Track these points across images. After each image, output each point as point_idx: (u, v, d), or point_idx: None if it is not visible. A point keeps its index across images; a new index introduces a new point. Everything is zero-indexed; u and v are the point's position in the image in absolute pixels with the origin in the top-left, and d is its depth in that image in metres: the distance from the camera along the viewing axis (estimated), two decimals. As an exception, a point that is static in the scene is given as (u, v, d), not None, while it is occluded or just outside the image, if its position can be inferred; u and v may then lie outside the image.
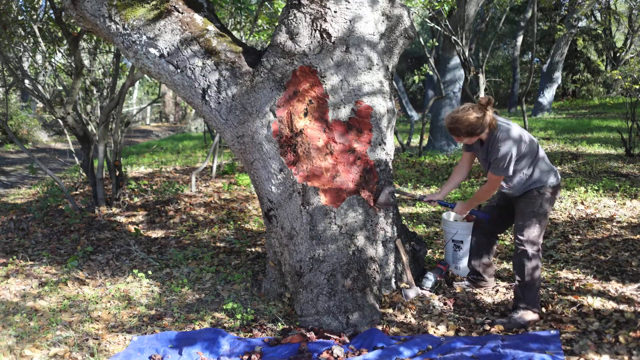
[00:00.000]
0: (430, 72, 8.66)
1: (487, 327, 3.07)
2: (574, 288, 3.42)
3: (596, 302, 3.17)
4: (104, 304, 3.69)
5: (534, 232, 3.09)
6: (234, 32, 7.09)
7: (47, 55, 7.03)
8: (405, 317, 3.28)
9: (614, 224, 4.57)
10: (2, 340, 3.16)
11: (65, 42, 6.58)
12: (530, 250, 3.07)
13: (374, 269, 3.39)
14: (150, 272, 4.25)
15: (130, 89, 12.02)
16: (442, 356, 2.72)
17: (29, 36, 6.80)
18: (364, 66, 3.26)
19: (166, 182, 7.34)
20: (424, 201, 3.50)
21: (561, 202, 5.31)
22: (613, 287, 3.38)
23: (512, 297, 3.27)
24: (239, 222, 5.54)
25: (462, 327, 3.12)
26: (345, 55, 3.20)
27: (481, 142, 3.14)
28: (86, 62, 7.57)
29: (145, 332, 3.27)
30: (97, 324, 3.37)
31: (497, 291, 3.53)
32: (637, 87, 7.07)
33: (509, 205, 3.29)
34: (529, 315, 3.06)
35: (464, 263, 3.80)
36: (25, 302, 3.72)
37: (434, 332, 3.09)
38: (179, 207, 6.06)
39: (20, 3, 6.77)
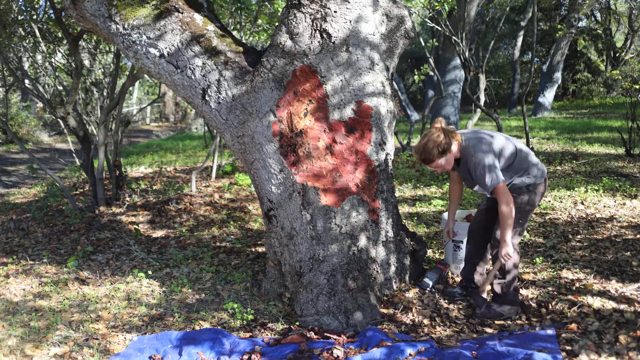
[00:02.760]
0: (431, 72, 8.66)
1: (487, 328, 3.07)
2: (574, 288, 3.42)
3: (596, 302, 3.17)
4: (104, 303, 3.69)
5: (517, 230, 3.16)
6: (234, 32, 7.09)
7: (47, 55, 7.03)
8: (406, 317, 3.28)
9: (614, 224, 4.57)
10: (3, 340, 3.16)
11: (65, 42, 6.58)
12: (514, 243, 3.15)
13: (375, 269, 3.39)
14: (150, 272, 4.25)
15: (130, 89, 12.03)
16: (442, 355, 2.73)
17: (29, 36, 6.80)
18: (364, 66, 3.26)
19: (166, 182, 7.34)
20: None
21: (561, 202, 5.31)
22: (613, 287, 3.38)
23: (491, 290, 3.32)
24: (239, 222, 5.54)
25: (462, 327, 3.12)
26: (345, 55, 3.20)
27: (457, 163, 3.15)
28: (86, 62, 7.57)
29: (145, 332, 3.27)
30: (97, 324, 3.37)
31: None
32: (637, 87, 7.07)
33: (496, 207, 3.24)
34: (507, 308, 3.18)
35: (464, 263, 3.80)
36: (25, 302, 3.72)
37: (435, 332, 3.09)
38: (179, 207, 6.06)
39: (20, 3, 6.77)
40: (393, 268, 3.60)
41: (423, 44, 8.68)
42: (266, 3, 7.19)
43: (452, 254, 3.86)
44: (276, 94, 3.22)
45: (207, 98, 3.34)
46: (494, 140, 3.06)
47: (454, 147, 3.06)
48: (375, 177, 3.39)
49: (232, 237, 5.08)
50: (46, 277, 4.18)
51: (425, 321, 3.23)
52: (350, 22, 3.18)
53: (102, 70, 7.58)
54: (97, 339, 3.18)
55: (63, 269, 4.35)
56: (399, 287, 3.63)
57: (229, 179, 7.54)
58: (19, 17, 6.59)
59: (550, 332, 2.84)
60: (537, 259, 3.93)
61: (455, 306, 3.39)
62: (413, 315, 3.29)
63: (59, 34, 6.83)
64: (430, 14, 8.03)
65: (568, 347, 2.69)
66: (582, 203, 5.22)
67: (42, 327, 3.34)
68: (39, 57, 8.35)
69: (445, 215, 4.00)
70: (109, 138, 6.58)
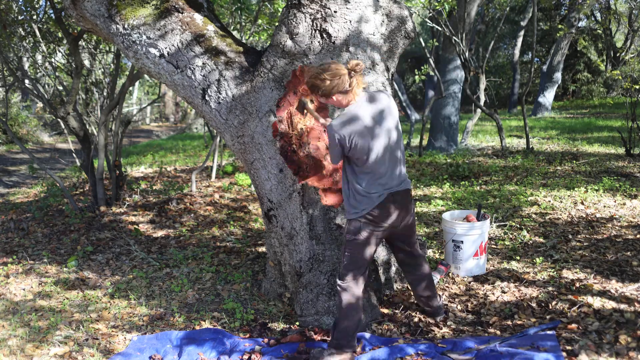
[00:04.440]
0: (431, 72, 8.66)
1: (488, 328, 3.07)
2: (574, 288, 3.42)
3: (596, 302, 3.17)
4: (104, 303, 3.69)
5: (342, 261, 2.83)
6: (234, 32, 7.09)
7: (47, 55, 7.03)
8: (407, 316, 3.28)
9: (614, 223, 4.57)
10: (3, 340, 3.16)
11: (65, 42, 6.58)
12: (338, 281, 2.83)
13: (375, 269, 3.39)
14: (150, 272, 4.25)
15: (130, 89, 12.03)
16: (443, 355, 2.73)
17: (29, 36, 6.80)
18: (365, 67, 3.26)
19: (167, 182, 7.34)
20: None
21: (561, 202, 5.31)
22: (613, 287, 3.38)
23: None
24: (239, 222, 5.54)
25: (463, 327, 3.12)
26: (346, 55, 3.20)
27: None
28: (86, 62, 7.57)
29: (146, 332, 3.27)
30: (97, 324, 3.38)
31: (502, 292, 3.53)
32: (637, 87, 7.08)
33: None
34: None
35: (464, 263, 3.80)
36: (25, 302, 3.72)
37: (435, 332, 3.10)
38: (179, 207, 6.06)
39: (20, 3, 6.77)
40: (394, 268, 3.61)
41: (423, 44, 8.69)
42: (266, 3, 7.19)
43: (452, 254, 3.86)
44: (276, 94, 3.22)
45: (207, 98, 3.34)
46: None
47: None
48: (375, 177, 3.39)
49: (232, 237, 5.08)
50: (46, 277, 4.18)
51: (427, 320, 3.23)
52: (351, 22, 3.18)
53: (102, 70, 7.58)
54: (97, 338, 3.18)
55: (63, 269, 4.35)
56: (399, 287, 3.63)
57: (229, 179, 7.54)
58: (19, 17, 6.59)
59: (550, 332, 2.85)
60: (537, 259, 3.93)
61: (456, 306, 3.39)
62: (413, 316, 3.29)
63: (59, 34, 6.83)
64: (430, 14, 8.03)
65: (568, 347, 2.69)
66: (582, 203, 5.22)
67: (42, 327, 3.34)
68: (39, 57, 8.35)
69: (446, 215, 4.01)
70: (109, 138, 6.58)
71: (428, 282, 3.15)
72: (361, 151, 2.64)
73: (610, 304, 3.13)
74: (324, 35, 3.16)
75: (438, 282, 3.65)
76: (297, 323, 3.28)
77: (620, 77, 8.38)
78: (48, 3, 6.00)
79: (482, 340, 2.86)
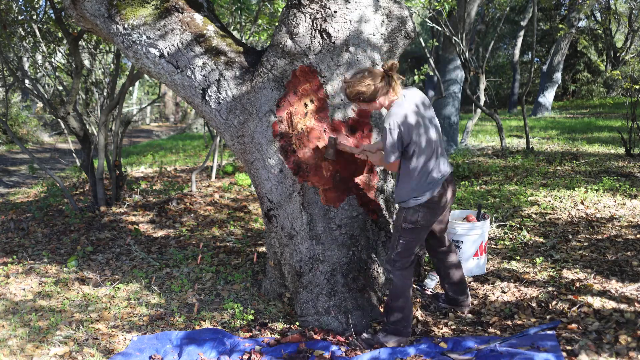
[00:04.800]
0: (431, 72, 8.65)
1: (488, 328, 3.07)
2: (574, 288, 3.42)
3: (596, 302, 3.17)
4: (103, 303, 3.69)
5: (395, 248, 2.94)
6: (234, 32, 7.09)
7: (47, 55, 7.03)
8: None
9: (614, 223, 4.57)
10: (3, 340, 3.16)
11: (65, 42, 6.58)
12: (390, 268, 2.97)
13: (375, 269, 3.39)
14: (150, 272, 4.25)
15: (130, 89, 12.03)
16: (444, 355, 2.73)
17: (29, 36, 6.80)
18: (365, 66, 3.26)
19: (167, 182, 7.34)
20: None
21: (561, 202, 5.31)
22: (613, 287, 3.38)
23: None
24: (239, 222, 5.54)
25: (463, 327, 3.12)
26: (346, 55, 3.20)
27: None
28: (86, 62, 7.57)
29: (146, 332, 3.27)
30: (97, 324, 3.38)
31: (502, 292, 3.53)
32: (637, 87, 7.07)
33: None
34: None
35: (464, 263, 3.80)
36: (25, 302, 3.72)
37: (436, 332, 3.10)
38: (179, 207, 6.06)
39: (20, 3, 6.77)
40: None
41: (423, 44, 8.68)
42: (266, 3, 7.19)
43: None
44: (276, 94, 3.22)
45: (207, 98, 3.34)
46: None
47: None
48: (376, 177, 3.39)
49: (232, 237, 5.08)
50: (46, 277, 4.18)
51: (426, 321, 3.23)
52: (351, 22, 3.18)
53: (102, 70, 7.58)
54: (97, 338, 3.18)
55: (63, 269, 4.35)
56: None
57: (229, 179, 7.54)
58: (19, 17, 6.59)
59: (550, 332, 2.85)
60: (537, 259, 3.93)
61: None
62: (414, 315, 3.29)
63: (59, 34, 6.82)
64: (430, 14, 8.03)
65: (568, 347, 2.69)
66: (582, 203, 5.22)
67: (42, 327, 3.34)
68: (39, 57, 8.35)
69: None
70: (109, 138, 6.58)
71: (459, 269, 3.26)
72: (419, 142, 2.76)
73: (610, 304, 3.13)
74: (324, 35, 3.16)
75: (437, 283, 3.65)
76: (297, 323, 3.28)
77: (620, 77, 8.38)
78: (48, 3, 6.00)
79: (482, 340, 2.86)
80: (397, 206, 3.39)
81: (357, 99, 2.77)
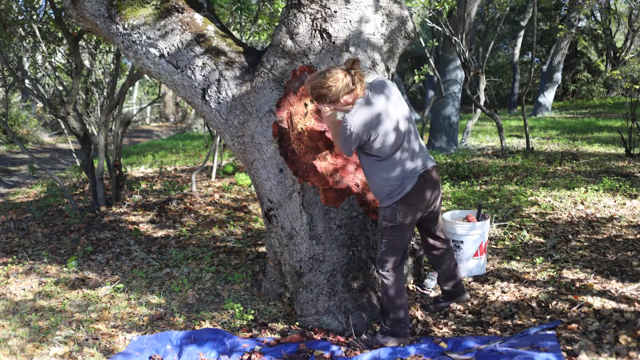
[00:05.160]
0: (431, 72, 8.65)
1: (488, 328, 3.07)
2: (574, 288, 3.42)
3: (596, 302, 3.17)
4: (104, 303, 3.69)
5: (379, 248, 2.90)
6: (234, 32, 7.09)
7: (47, 55, 7.03)
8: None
9: (614, 223, 4.57)
10: (3, 340, 3.16)
11: (65, 42, 6.58)
12: (379, 270, 2.93)
13: (375, 269, 3.39)
14: (150, 272, 4.25)
15: (130, 89, 12.03)
16: (444, 355, 2.73)
17: (29, 36, 6.80)
18: (365, 67, 3.26)
19: (167, 182, 7.34)
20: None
21: (561, 202, 5.31)
22: (613, 287, 3.38)
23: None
24: (239, 222, 5.54)
25: (463, 327, 3.12)
26: (346, 55, 3.20)
27: None
28: (86, 62, 7.57)
29: (146, 332, 3.27)
30: (98, 324, 3.38)
31: (502, 292, 3.53)
32: (637, 87, 7.07)
33: None
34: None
35: (464, 263, 3.80)
36: (25, 302, 3.72)
37: (436, 332, 3.10)
38: (179, 207, 6.06)
39: (20, 3, 6.77)
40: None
41: (423, 44, 8.68)
42: (266, 3, 7.19)
43: (452, 254, 3.86)
44: (276, 94, 3.22)
45: (207, 98, 3.34)
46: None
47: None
48: (376, 177, 3.39)
49: (232, 237, 5.08)
50: (46, 277, 4.18)
51: (426, 321, 3.23)
52: (351, 22, 3.18)
53: (102, 70, 7.58)
54: (97, 338, 3.18)
55: (63, 269, 4.35)
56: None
57: (229, 178, 7.54)
58: (19, 17, 6.59)
59: (550, 332, 2.85)
60: (537, 259, 3.93)
61: (456, 306, 3.39)
62: (414, 316, 3.29)
63: (59, 34, 6.82)
64: (430, 14, 8.03)
65: (568, 347, 2.69)
66: (582, 203, 5.22)
67: (42, 327, 3.34)
68: (39, 57, 8.35)
69: (446, 215, 4.00)
70: (109, 138, 6.58)
71: (454, 262, 3.26)
72: (382, 141, 2.69)
73: (610, 304, 3.13)
74: (324, 36, 3.16)
75: (437, 283, 3.65)
76: (297, 323, 3.28)
77: (620, 77, 8.37)
78: (48, 3, 6.00)
79: (482, 340, 2.86)
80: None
81: (320, 100, 2.69)
